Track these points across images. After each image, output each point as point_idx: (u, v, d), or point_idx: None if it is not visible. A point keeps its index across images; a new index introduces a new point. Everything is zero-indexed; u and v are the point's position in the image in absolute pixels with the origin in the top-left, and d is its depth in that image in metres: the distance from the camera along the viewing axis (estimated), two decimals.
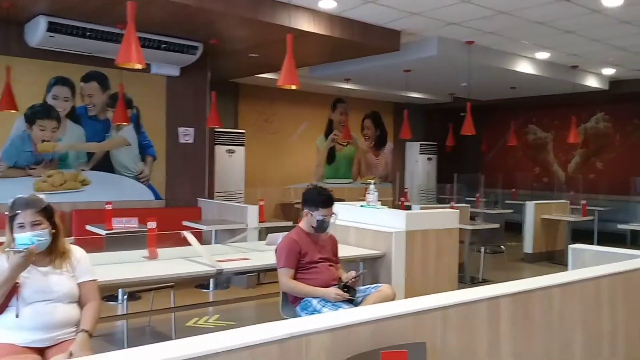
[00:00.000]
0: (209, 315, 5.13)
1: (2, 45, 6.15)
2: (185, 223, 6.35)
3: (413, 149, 12.85)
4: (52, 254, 2.61)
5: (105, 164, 7.01)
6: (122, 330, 4.36)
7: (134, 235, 5.44)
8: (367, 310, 2.15)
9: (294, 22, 5.93)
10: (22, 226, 2.51)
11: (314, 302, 3.38)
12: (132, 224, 5.64)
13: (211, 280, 6.06)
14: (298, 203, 10.11)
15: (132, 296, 4.75)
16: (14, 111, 5.80)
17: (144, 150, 7.34)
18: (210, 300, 5.90)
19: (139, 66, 3.91)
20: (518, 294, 2.56)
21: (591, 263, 3.64)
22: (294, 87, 4.61)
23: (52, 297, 2.53)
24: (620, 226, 8.50)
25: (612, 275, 3.10)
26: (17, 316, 2.45)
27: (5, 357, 2.37)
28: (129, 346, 3.97)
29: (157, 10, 5.50)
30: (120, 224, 5.58)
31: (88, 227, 5.78)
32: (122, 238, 5.47)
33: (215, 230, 6.30)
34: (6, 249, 2.52)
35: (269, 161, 10.81)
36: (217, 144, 9.26)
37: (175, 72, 7.31)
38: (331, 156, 11.88)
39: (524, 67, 8.42)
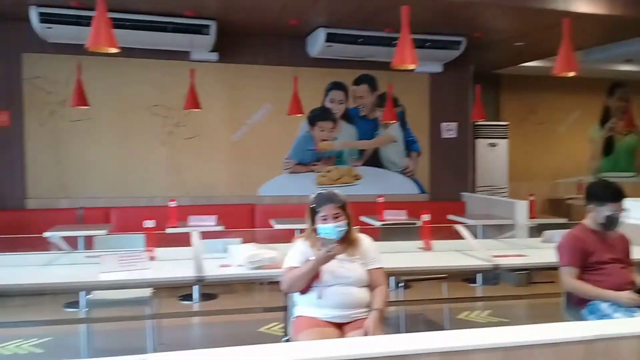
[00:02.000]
0: (478, 310, 5.11)
1: (289, 57, 7.07)
2: (450, 217, 6.41)
3: None
4: (345, 242, 2.91)
5: (374, 160, 7.51)
6: (398, 316, 4.61)
7: (404, 226, 5.73)
8: None
9: (569, 5, 5.52)
10: (325, 218, 2.87)
11: (604, 306, 3.11)
12: (401, 216, 5.95)
13: (478, 275, 6.01)
14: (569, 199, 9.36)
15: (407, 286, 4.99)
16: (300, 115, 6.65)
17: (409, 146, 7.64)
18: (478, 294, 5.86)
19: (412, 67, 4.08)
20: None
21: None
22: (572, 74, 4.31)
23: (347, 281, 2.84)
24: None
25: None
26: (319, 297, 2.80)
27: (311, 328, 2.75)
28: (406, 332, 4.22)
29: (424, 11, 5.65)
30: (391, 216, 5.92)
31: (362, 219, 6.20)
32: (393, 229, 5.79)
33: (483, 226, 6.22)
34: (318, 235, 2.88)
35: (534, 154, 10.21)
36: (477, 138, 9.12)
37: (438, 68, 7.45)
38: (608, 147, 10.66)
39: None
